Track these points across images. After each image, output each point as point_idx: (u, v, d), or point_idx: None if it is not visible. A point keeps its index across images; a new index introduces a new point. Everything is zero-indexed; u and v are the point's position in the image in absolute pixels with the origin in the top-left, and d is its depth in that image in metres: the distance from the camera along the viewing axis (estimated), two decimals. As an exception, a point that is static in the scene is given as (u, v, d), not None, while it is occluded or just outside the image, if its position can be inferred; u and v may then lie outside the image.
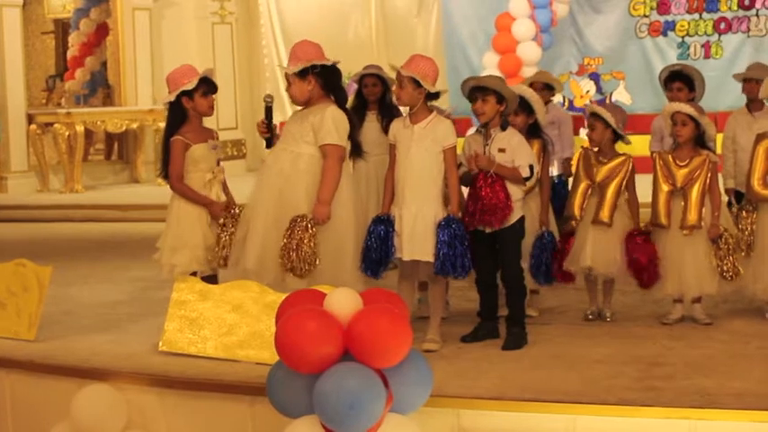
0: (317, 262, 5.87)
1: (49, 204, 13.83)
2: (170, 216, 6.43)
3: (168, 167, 6.38)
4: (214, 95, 6.45)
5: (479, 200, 6.07)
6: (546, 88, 8.34)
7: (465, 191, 6.33)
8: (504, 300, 6.36)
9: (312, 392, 4.26)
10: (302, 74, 6.04)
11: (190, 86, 6.30)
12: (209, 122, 6.68)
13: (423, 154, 6.01)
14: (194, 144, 6.35)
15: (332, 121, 5.99)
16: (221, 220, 6.29)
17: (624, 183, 6.56)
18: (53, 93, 17.30)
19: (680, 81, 7.49)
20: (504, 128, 6.22)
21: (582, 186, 6.68)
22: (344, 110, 6.14)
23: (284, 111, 15.24)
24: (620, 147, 6.69)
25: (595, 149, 6.69)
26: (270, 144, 6.41)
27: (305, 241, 5.84)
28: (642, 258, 6.46)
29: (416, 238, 5.97)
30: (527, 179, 6.20)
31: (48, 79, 17.69)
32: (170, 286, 6.26)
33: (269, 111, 6.37)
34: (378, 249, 5.97)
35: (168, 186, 6.49)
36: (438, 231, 5.94)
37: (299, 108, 6.22)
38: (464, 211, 6.19)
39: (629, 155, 6.66)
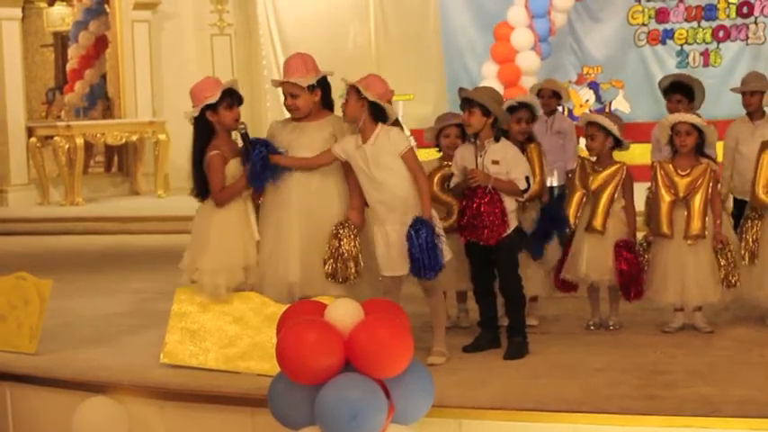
0: (362, 265, 5.95)
1: (50, 217, 13.81)
2: (207, 236, 6.14)
3: (203, 185, 6.15)
4: (239, 107, 6.23)
5: (477, 216, 6.04)
6: (554, 96, 8.36)
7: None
8: (504, 309, 6.36)
9: (314, 404, 4.27)
10: (311, 86, 6.06)
11: (213, 100, 6.10)
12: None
13: (386, 173, 5.90)
14: (231, 158, 6.14)
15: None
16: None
17: (618, 190, 6.56)
18: (53, 105, 17.31)
19: (679, 93, 7.49)
20: (497, 139, 6.20)
21: (577, 195, 6.68)
22: None
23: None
24: (616, 155, 6.70)
25: (593, 159, 6.70)
26: None
27: (352, 245, 5.92)
28: (628, 272, 6.46)
29: (392, 254, 5.92)
30: (524, 191, 6.19)
31: (47, 92, 17.71)
32: (170, 298, 6.26)
33: (245, 137, 6.16)
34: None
35: (185, 199, 6.46)
36: (408, 239, 5.84)
37: (292, 122, 6.18)
38: (457, 222, 6.20)
39: (623, 163, 6.66)
